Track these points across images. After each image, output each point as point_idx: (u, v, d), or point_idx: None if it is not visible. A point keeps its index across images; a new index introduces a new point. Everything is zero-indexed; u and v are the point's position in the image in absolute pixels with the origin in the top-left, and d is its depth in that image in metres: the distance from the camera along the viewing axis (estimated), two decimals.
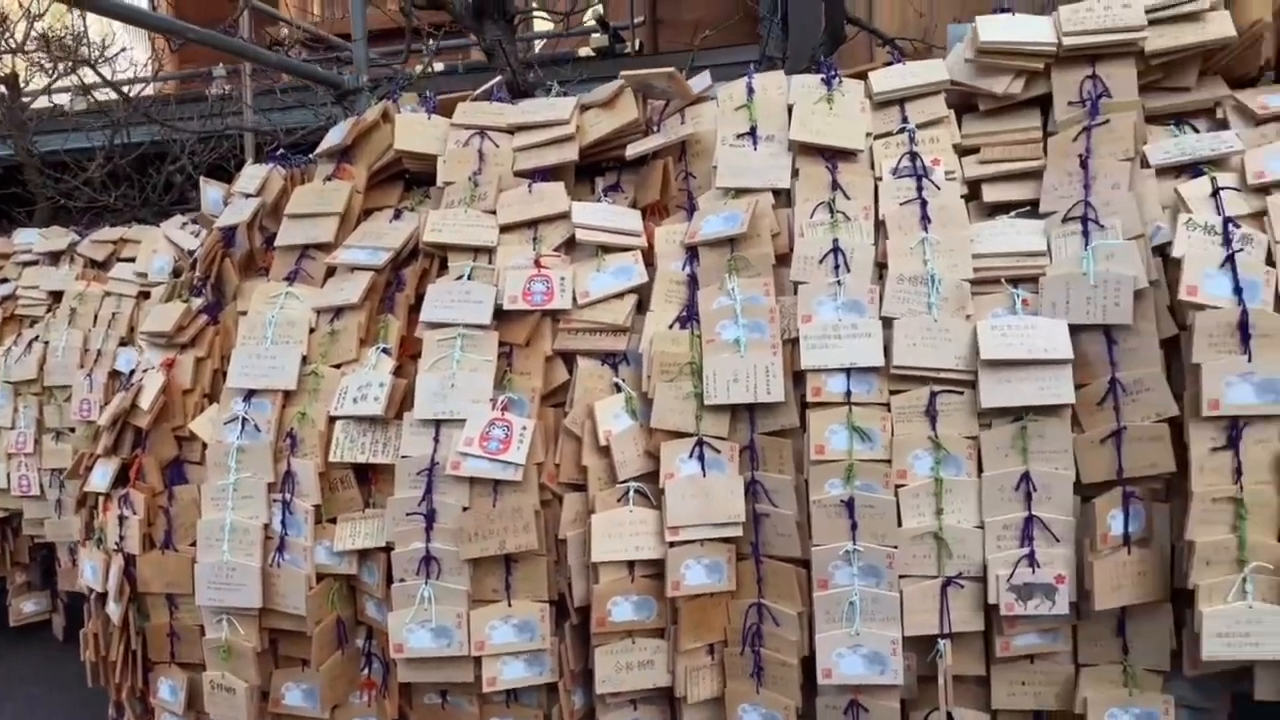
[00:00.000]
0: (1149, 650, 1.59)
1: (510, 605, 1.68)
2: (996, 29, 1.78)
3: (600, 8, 5.62)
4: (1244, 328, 1.49)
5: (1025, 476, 1.58)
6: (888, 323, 1.65)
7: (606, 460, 1.65)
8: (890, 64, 1.92)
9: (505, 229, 1.86)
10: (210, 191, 2.35)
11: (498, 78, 2.12)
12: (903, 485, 1.61)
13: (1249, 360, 1.49)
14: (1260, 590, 1.48)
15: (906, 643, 1.59)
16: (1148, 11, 1.73)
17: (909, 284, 1.66)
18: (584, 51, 5.58)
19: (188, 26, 3.13)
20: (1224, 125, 1.72)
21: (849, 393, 1.64)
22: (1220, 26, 1.70)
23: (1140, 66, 1.74)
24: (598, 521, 1.62)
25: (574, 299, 1.75)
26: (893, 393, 1.64)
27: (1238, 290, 1.52)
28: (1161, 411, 1.54)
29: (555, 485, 1.69)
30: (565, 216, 1.84)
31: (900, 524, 1.60)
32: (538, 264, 1.78)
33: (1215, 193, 1.61)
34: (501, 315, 1.76)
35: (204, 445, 1.89)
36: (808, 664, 1.62)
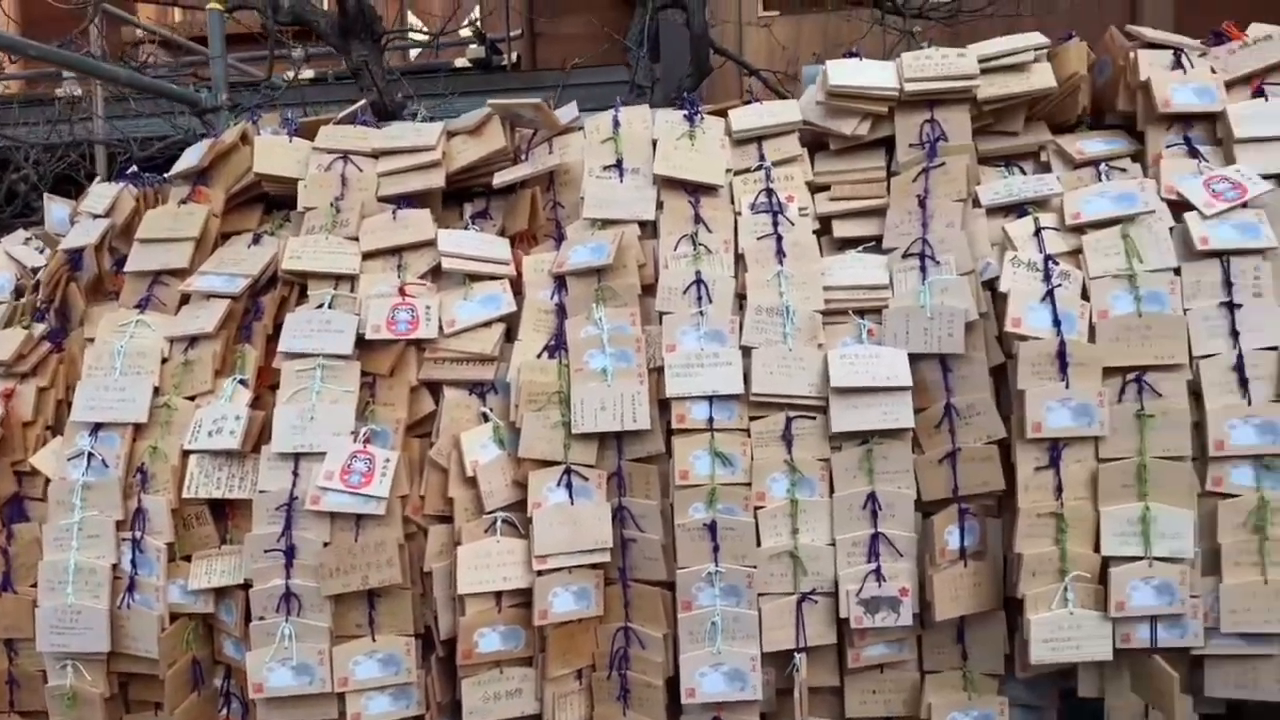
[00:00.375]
0: (985, 656, 1.71)
1: (374, 640, 1.66)
2: (844, 73, 1.89)
3: (478, 20, 5.59)
4: (1062, 357, 1.63)
5: (871, 496, 1.67)
6: (747, 351, 1.72)
7: (473, 491, 1.65)
8: (749, 102, 2.00)
9: (368, 256, 1.84)
10: (55, 209, 2.23)
11: (362, 101, 2.10)
12: (761, 507, 1.68)
13: (1066, 387, 1.63)
14: (1080, 598, 1.62)
15: (765, 658, 1.66)
16: (980, 61, 1.86)
17: (766, 315, 1.74)
18: (460, 62, 5.53)
19: (28, 44, 2.93)
20: (1047, 168, 1.88)
21: (711, 419, 1.70)
22: (1043, 77, 1.85)
23: (974, 112, 1.87)
24: (464, 553, 1.62)
25: (440, 328, 1.74)
26: (752, 419, 1.71)
27: (1057, 322, 1.66)
28: (992, 434, 1.67)
29: (420, 518, 1.68)
30: (431, 244, 1.83)
31: (759, 544, 1.67)
32: (402, 292, 1.77)
33: (1038, 232, 1.75)
34: (364, 345, 1.74)
35: (46, 481, 1.79)
36: (672, 684, 1.67)
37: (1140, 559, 1.60)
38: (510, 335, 1.77)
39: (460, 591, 1.61)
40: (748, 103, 2.01)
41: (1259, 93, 1.81)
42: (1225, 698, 1.68)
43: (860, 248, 1.84)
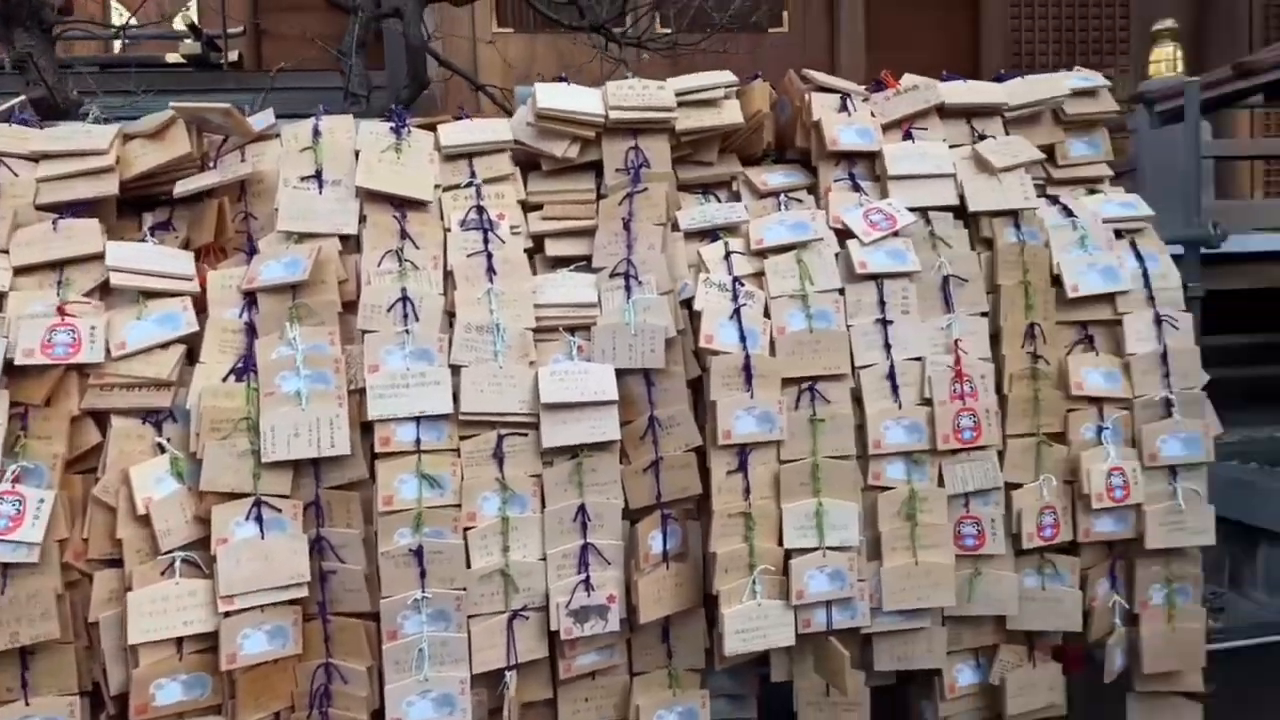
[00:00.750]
0: (688, 652, 1.81)
1: (28, 704, 1.46)
2: (553, 96, 1.93)
3: (194, 13, 5.14)
4: (747, 370, 1.78)
5: (581, 508, 1.72)
6: (456, 370, 1.71)
7: (146, 530, 1.50)
8: (460, 118, 2.00)
9: (21, 271, 1.62)
10: None
11: (21, 97, 1.85)
12: (471, 527, 1.67)
13: (751, 397, 1.77)
14: (767, 589, 1.76)
15: (476, 679, 1.65)
16: (678, 95, 1.99)
17: (476, 332, 1.74)
18: (172, 58, 5.05)
19: None
20: (737, 197, 2.04)
21: (419, 441, 1.67)
22: (731, 113, 2.01)
23: (673, 142, 1.99)
24: (136, 599, 1.47)
25: (107, 350, 1.57)
26: (462, 438, 1.70)
27: (743, 338, 1.80)
28: (689, 442, 1.78)
29: (83, 563, 1.50)
30: (99, 257, 1.65)
31: (469, 565, 1.66)
32: (61, 311, 1.58)
33: (727, 255, 1.89)
34: (13, 371, 1.53)
35: None
36: (378, 718, 1.61)
37: (816, 550, 1.77)
38: (192, 358, 1.63)
39: (132, 641, 1.46)
40: (460, 118, 2.00)
41: (908, 135, 2.08)
42: (891, 670, 1.90)
43: (572, 266, 1.90)
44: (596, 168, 1.98)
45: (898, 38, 5.68)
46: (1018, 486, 1.89)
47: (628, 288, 1.82)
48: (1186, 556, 1.98)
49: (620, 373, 1.75)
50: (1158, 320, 1.97)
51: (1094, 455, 1.91)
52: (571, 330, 1.81)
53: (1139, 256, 2.03)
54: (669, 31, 3.78)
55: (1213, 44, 5.82)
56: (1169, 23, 4.35)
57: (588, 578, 1.70)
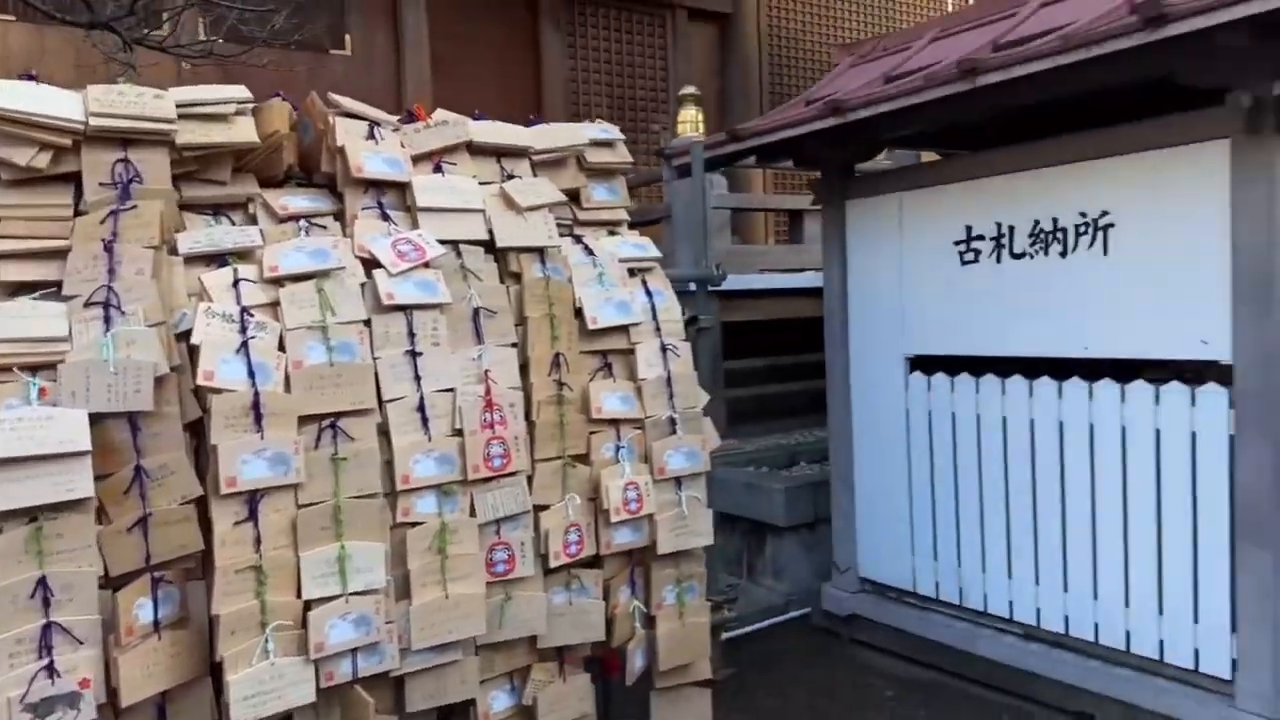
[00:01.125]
0: None
1: None
2: (15, 97, 1.64)
3: None
4: (256, 408, 1.64)
5: (42, 581, 1.45)
6: None
7: None
8: None
9: None
10: None
11: None
12: None
13: (262, 438, 1.64)
14: (282, 646, 1.63)
15: None
16: (179, 107, 1.79)
17: None
18: None
19: None
20: (255, 220, 1.89)
21: None
22: (245, 130, 1.86)
23: (175, 157, 1.79)
24: None
25: None
26: None
27: (251, 374, 1.66)
28: (187, 493, 1.59)
29: None
30: None
31: None
32: None
33: (236, 283, 1.74)
34: None
35: None
36: None
37: (338, 597, 1.68)
38: None
39: None
40: None
41: (438, 168, 2.10)
42: (426, 708, 1.86)
43: (36, 294, 1.61)
44: (76, 180, 1.72)
45: (463, 73, 5.82)
46: (546, 508, 1.98)
47: (107, 318, 1.59)
48: (693, 557, 2.23)
49: (96, 418, 1.52)
50: (664, 349, 2.21)
51: (612, 472, 2.07)
52: (32, 369, 1.53)
53: (649, 292, 2.25)
54: (205, 40, 3.43)
55: (733, 109, 6.84)
56: (691, 89, 5.04)
57: (51, 663, 1.44)
